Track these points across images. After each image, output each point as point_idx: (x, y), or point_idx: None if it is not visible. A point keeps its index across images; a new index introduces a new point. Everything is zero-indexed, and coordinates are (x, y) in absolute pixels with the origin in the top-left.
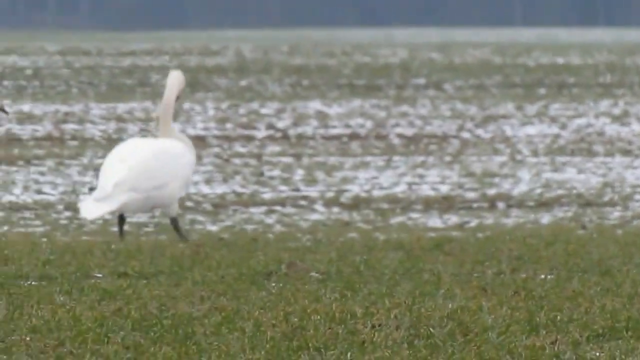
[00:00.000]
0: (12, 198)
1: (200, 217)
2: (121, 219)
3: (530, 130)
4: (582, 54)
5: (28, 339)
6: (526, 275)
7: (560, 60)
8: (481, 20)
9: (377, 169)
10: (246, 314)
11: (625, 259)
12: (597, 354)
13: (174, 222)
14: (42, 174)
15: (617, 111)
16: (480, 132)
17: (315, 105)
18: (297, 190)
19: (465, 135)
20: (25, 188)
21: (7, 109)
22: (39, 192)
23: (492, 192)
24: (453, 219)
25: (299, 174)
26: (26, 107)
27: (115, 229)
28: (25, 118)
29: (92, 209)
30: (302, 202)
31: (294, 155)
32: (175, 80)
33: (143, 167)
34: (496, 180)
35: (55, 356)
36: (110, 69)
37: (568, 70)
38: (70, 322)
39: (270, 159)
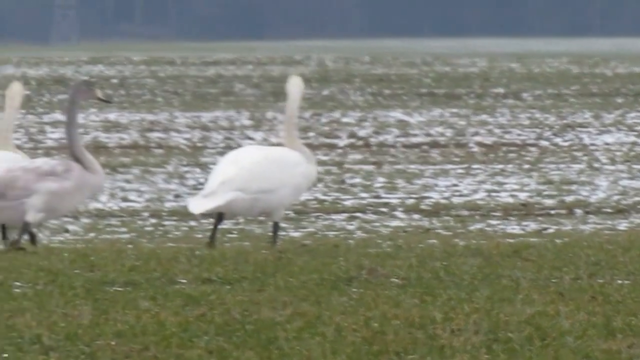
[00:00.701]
0: (99, 205)
1: (283, 224)
2: (219, 218)
3: (608, 138)
4: None
5: (113, 343)
6: (603, 281)
7: (637, 70)
8: (559, 31)
9: (457, 176)
10: (327, 319)
11: None
12: None
13: (276, 226)
14: (128, 181)
15: None
16: (558, 140)
17: (396, 114)
18: (378, 197)
19: (544, 143)
20: (112, 195)
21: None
22: (125, 199)
23: (570, 199)
24: (531, 225)
25: (380, 181)
26: (112, 115)
27: (200, 235)
28: (111, 126)
29: (199, 204)
30: (383, 209)
31: (375, 163)
32: (297, 87)
33: (254, 169)
34: (574, 187)
35: None
36: (195, 79)
37: None
38: (154, 327)
39: (352, 166)
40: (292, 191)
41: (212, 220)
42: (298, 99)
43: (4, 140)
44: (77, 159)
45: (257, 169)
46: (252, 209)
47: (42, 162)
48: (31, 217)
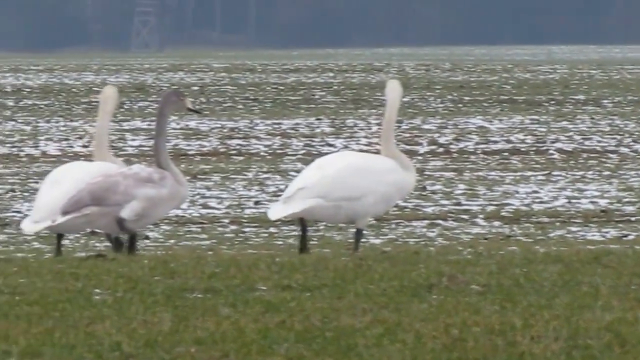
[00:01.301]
0: (179, 212)
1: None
2: (303, 225)
3: None
4: None
5: (193, 350)
6: None
7: None
8: (639, 38)
9: (537, 183)
10: (407, 326)
11: None
12: None
13: (359, 233)
14: (208, 188)
15: None
16: (638, 147)
17: (476, 120)
18: (459, 204)
19: (624, 150)
20: (192, 202)
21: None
22: (205, 206)
23: None
24: (612, 232)
25: (461, 188)
26: (193, 123)
27: (280, 242)
28: (192, 134)
29: (277, 210)
30: (464, 216)
31: (456, 170)
32: (396, 91)
33: (337, 176)
34: None
35: None
36: (275, 86)
37: None
38: (234, 334)
39: (432, 173)
40: (378, 199)
41: (293, 227)
42: (397, 103)
43: (99, 149)
44: (163, 170)
45: (339, 176)
46: (335, 216)
47: (139, 169)
48: (126, 213)
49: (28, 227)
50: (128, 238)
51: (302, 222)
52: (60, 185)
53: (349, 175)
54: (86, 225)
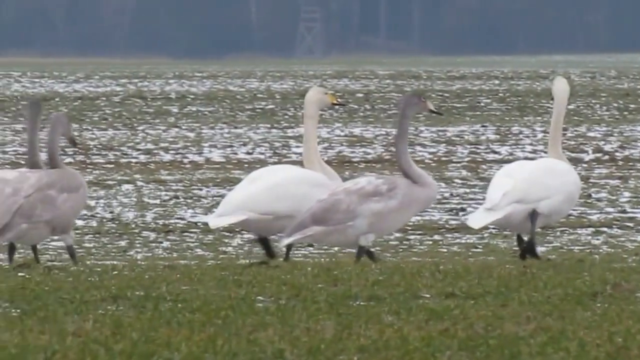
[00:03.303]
0: None
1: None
2: (520, 242)
3: None
4: None
5: (356, 358)
6: None
7: None
8: None
9: None
10: (571, 334)
11: None
12: None
13: (532, 240)
14: None
15: None
16: None
17: None
18: (624, 212)
19: None
20: None
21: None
22: None
23: None
24: None
25: (626, 196)
26: (357, 130)
27: (444, 250)
28: (356, 141)
29: (479, 218)
30: (629, 224)
31: (621, 177)
32: (563, 90)
33: (530, 180)
34: None
35: None
36: (441, 93)
37: None
38: (397, 342)
39: (598, 181)
40: (565, 198)
41: (458, 234)
42: (565, 101)
43: (307, 154)
44: (405, 173)
45: (532, 179)
46: (526, 221)
47: (366, 182)
48: (363, 241)
49: (212, 221)
50: (360, 252)
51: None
52: (254, 184)
53: (541, 176)
54: (316, 242)
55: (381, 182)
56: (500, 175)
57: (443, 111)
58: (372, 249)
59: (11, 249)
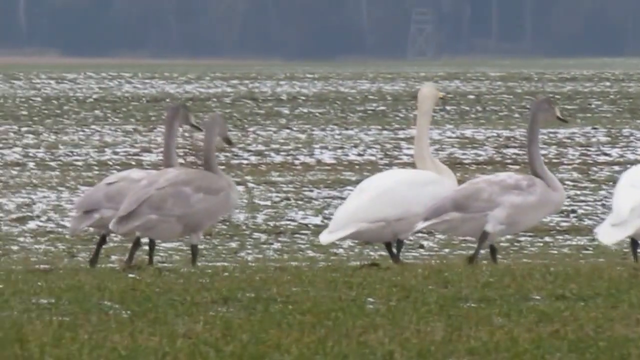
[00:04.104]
0: None
1: None
2: (634, 244)
3: None
4: None
5: None
6: None
7: None
8: None
9: None
10: None
11: None
12: None
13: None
14: None
15: None
16: None
17: None
18: None
19: None
20: None
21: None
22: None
23: None
24: None
25: None
26: (468, 131)
27: (554, 252)
28: (467, 143)
29: (608, 234)
30: None
31: None
32: None
33: None
34: None
35: None
36: (551, 95)
37: None
38: (507, 344)
39: None
40: None
41: (568, 236)
42: None
43: (419, 153)
44: (538, 176)
45: None
46: None
47: (506, 176)
48: (491, 227)
49: (324, 237)
50: (481, 240)
51: (633, 240)
52: (362, 194)
53: None
54: (447, 231)
55: (521, 178)
56: (626, 185)
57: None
58: (495, 247)
59: (135, 245)
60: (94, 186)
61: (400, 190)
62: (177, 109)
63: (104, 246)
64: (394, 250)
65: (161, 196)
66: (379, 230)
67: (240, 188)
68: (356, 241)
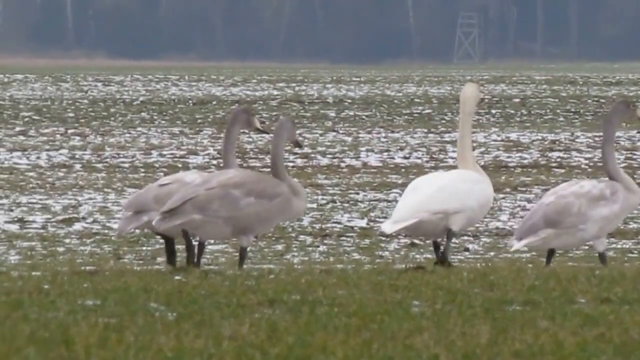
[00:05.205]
0: (499, 224)
1: None
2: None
3: None
4: None
5: None
6: None
7: None
8: None
9: None
10: None
11: None
12: None
13: None
14: (528, 201)
15: None
16: None
17: None
18: None
19: None
20: (512, 215)
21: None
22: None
23: None
24: None
25: None
26: (513, 135)
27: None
28: (512, 146)
29: None
30: None
31: None
32: None
33: None
34: None
35: None
36: (597, 98)
37: None
38: (552, 347)
39: None
40: None
41: (612, 239)
42: None
43: (461, 153)
44: (613, 178)
45: None
46: None
47: (591, 186)
48: (601, 247)
49: (387, 227)
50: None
51: None
52: (421, 189)
53: None
54: (542, 246)
55: (604, 186)
56: None
57: (598, 117)
58: (604, 252)
59: (200, 249)
60: (146, 187)
61: (457, 185)
62: (238, 114)
63: (149, 248)
64: (443, 244)
65: (208, 197)
66: (437, 222)
67: None
68: (408, 240)
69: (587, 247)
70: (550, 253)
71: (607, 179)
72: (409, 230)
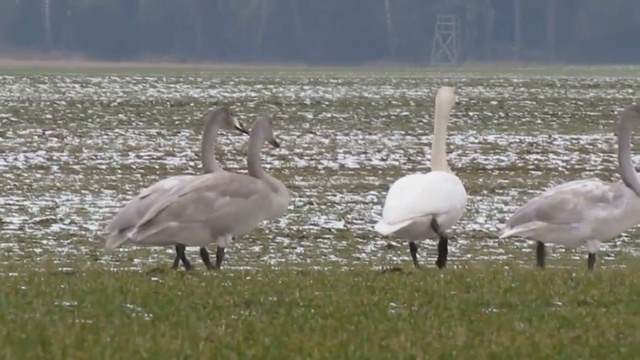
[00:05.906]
0: (476, 227)
1: None
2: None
3: None
4: None
5: None
6: None
7: None
8: None
9: None
10: None
11: None
12: None
13: None
14: (505, 203)
15: None
16: None
17: None
18: None
19: None
20: (489, 217)
21: None
22: (503, 220)
23: None
24: None
25: None
26: (491, 137)
27: (577, 258)
28: (490, 148)
29: None
30: None
31: None
32: None
33: None
34: None
35: None
36: (574, 101)
37: None
38: (528, 349)
39: None
40: None
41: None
42: None
43: (435, 156)
44: (628, 184)
45: None
46: None
47: (594, 186)
48: (592, 248)
49: (383, 228)
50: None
51: None
52: (410, 190)
53: None
54: (534, 238)
55: (608, 189)
56: None
57: (576, 119)
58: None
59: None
60: (127, 203)
61: (445, 186)
62: (216, 113)
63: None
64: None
65: (181, 203)
66: (426, 223)
67: None
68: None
69: (563, 250)
70: (540, 251)
71: (620, 181)
72: (401, 231)
